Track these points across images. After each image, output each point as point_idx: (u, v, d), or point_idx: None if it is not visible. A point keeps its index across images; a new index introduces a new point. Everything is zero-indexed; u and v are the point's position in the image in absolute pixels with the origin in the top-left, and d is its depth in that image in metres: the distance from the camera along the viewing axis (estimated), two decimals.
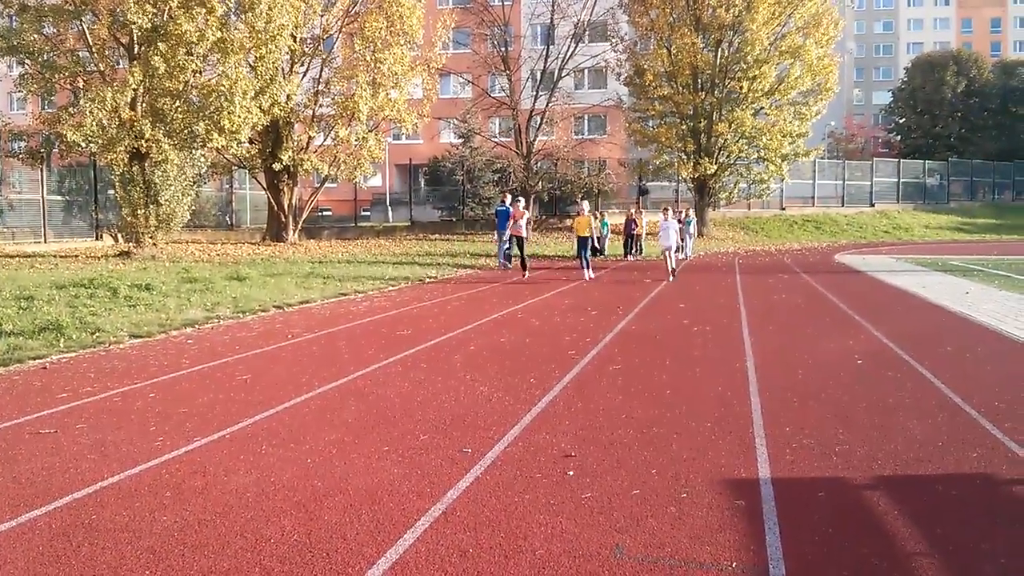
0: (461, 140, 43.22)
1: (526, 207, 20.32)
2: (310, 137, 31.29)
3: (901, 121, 74.57)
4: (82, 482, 4.79)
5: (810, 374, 8.01)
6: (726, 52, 36.70)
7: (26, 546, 3.90)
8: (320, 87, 31.00)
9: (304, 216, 33.18)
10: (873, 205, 49.34)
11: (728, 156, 37.56)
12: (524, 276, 19.28)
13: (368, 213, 47.06)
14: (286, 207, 31.27)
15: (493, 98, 41.98)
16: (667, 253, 19.20)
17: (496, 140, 43.84)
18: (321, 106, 31.10)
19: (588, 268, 19.45)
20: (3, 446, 5.54)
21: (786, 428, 5.96)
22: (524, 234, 20.08)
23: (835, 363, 8.61)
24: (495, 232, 24.34)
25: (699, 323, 11.77)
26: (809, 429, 5.94)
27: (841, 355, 9.05)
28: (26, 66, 24.40)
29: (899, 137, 74.32)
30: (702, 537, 3.99)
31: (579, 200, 26.71)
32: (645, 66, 37.26)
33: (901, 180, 52.00)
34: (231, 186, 38.37)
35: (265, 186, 31.60)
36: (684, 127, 37.51)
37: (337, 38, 32.51)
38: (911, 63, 77.34)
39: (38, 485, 4.74)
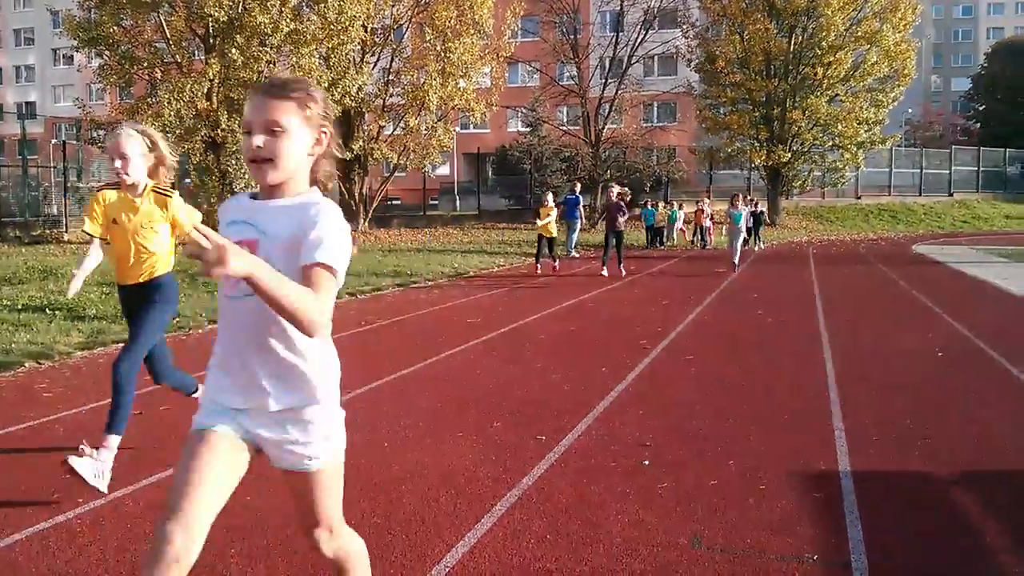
0: (529, 129, 43.21)
1: (621, 197, 17.48)
2: (380, 127, 31.60)
3: (981, 108, 72.59)
4: (166, 463, 4.91)
5: (889, 366, 7.84)
6: (800, 38, 36.05)
7: (116, 524, 4.02)
8: (390, 77, 31.26)
9: (374, 205, 33.51)
10: (951, 194, 47.99)
11: (802, 144, 36.93)
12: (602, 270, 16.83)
13: (436, 202, 47.36)
14: (356, 196, 31.63)
15: (561, 86, 41.82)
16: None
17: (564, 128, 43.68)
18: (391, 96, 31.37)
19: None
20: (91, 428, 5.71)
21: (865, 420, 5.84)
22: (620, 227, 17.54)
23: (914, 355, 8.41)
24: (564, 221, 24.17)
25: (773, 314, 11.61)
26: (889, 421, 5.82)
27: (921, 347, 8.84)
28: (105, 57, 25.11)
29: (978, 124, 72.35)
30: (782, 529, 3.94)
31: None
32: (717, 52, 36.86)
33: (981, 169, 50.48)
34: None
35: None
36: (757, 114, 36.96)
37: (407, 28, 32.73)
38: (991, 48, 75.31)
39: (126, 464, 4.87)
